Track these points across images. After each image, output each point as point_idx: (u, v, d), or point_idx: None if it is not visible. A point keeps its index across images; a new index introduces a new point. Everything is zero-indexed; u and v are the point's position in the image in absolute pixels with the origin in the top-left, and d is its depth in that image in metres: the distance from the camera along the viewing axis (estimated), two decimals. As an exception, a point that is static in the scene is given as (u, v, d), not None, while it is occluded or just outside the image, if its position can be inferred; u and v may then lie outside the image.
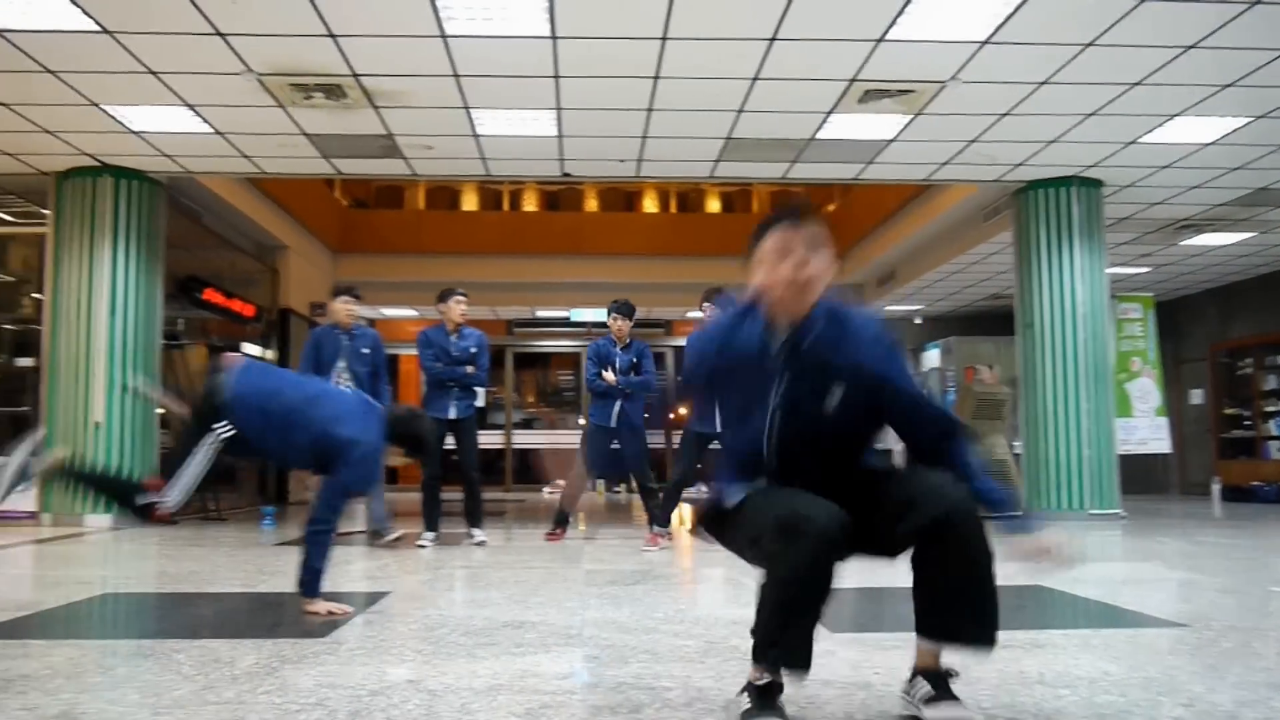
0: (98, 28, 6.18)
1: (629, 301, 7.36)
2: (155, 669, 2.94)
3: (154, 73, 6.88)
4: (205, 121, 7.85)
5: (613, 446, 7.22)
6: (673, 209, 17.83)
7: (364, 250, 15.45)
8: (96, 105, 7.49)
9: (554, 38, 6.38)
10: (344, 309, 6.98)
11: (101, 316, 8.80)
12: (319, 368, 6.87)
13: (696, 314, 7.01)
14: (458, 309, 7.16)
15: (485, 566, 5.78)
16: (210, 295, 10.99)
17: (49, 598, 4.51)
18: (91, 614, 4.21)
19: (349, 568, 5.61)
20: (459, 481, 7.20)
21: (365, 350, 7.00)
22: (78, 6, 5.89)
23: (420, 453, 4.31)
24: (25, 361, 9.66)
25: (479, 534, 7.02)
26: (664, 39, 6.40)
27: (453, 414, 7.00)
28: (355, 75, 6.95)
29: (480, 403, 7.36)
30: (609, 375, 7.11)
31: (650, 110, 7.70)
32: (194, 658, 3.06)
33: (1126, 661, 3.02)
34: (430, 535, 6.94)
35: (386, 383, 7.23)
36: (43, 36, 6.32)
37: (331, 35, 6.31)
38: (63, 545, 7.15)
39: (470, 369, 7.10)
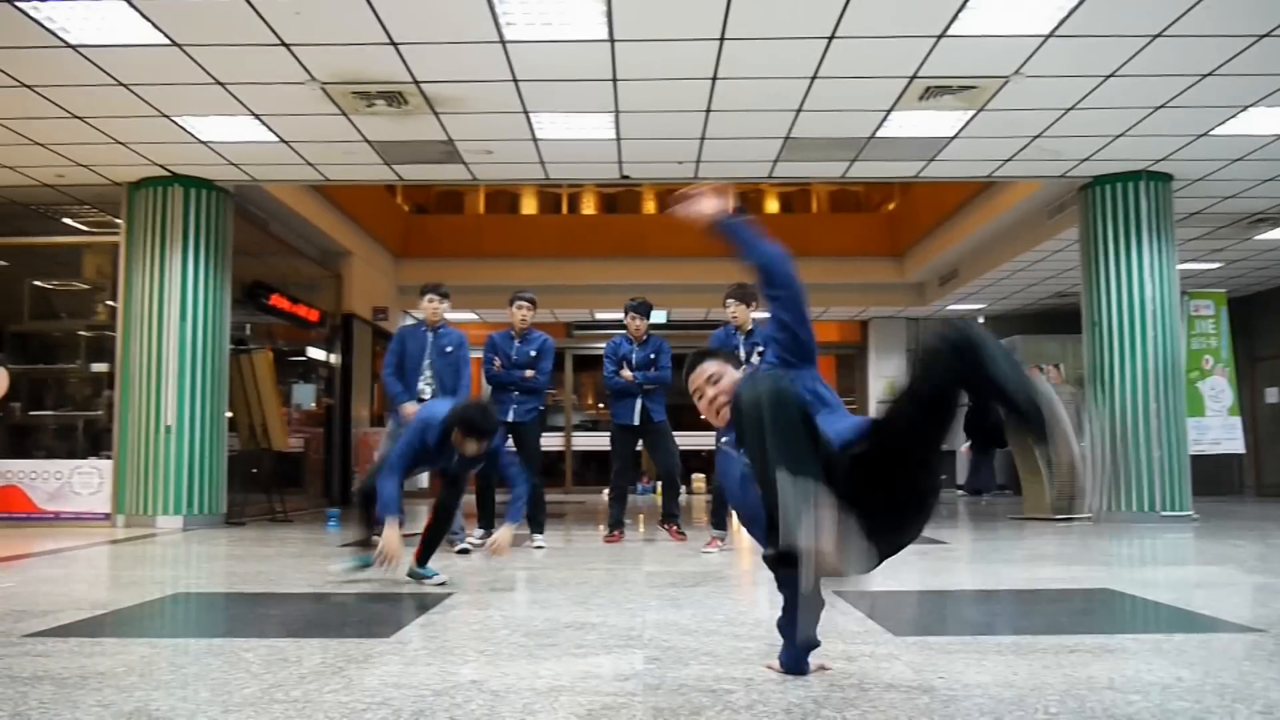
0: (167, 41, 6.33)
1: (645, 300, 7.50)
2: (225, 667, 3.00)
3: (221, 83, 7.03)
4: (271, 130, 8.00)
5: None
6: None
7: (425, 255, 15.65)
8: (166, 116, 7.67)
9: (612, 41, 6.40)
10: (430, 307, 7.02)
11: (173, 322, 9.02)
12: (404, 363, 6.99)
13: (759, 315, 7.00)
14: (518, 314, 7.25)
15: (546, 568, 5.81)
16: (276, 300, 11.21)
17: (123, 597, 4.64)
18: (163, 613, 4.30)
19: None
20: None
21: (448, 349, 7.06)
22: (148, 21, 6.05)
23: (474, 434, 4.65)
24: (100, 366, 9.96)
25: (539, 539, 7.06)
26: (722, 39, 6.39)
27: (510, 417, 7.07)
28: (416, 82, 7.04)
29: (542, 405, 7.42)
30: (626, 372, 7.24)
31: (708, 111, 7.69)
32: (262, 657, 3.12)
33: (1200, 667, 2.94)
34: (480, 532, 7.01)
35: (468, 382, 7.26)
36: (115, 51, 6.50)
37: (393, 43, 6.40)
38: (135, 546, 7.34)
39: (529, 373, 7.17)
